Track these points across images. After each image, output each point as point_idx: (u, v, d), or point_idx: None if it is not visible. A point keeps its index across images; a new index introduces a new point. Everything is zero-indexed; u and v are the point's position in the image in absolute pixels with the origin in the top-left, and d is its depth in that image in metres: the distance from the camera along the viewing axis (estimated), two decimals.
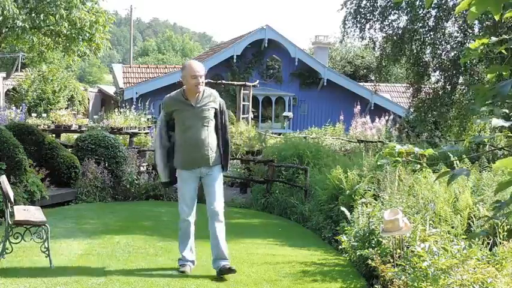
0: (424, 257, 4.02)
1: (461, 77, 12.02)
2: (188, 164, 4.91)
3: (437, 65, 12.49)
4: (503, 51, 1.95)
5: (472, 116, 10.96)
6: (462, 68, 11.63)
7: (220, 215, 4.91)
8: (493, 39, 1.99)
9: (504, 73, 1.89)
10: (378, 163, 2.21)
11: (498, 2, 1.73)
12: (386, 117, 17.25)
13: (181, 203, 5.02)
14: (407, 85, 13.71)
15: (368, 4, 12.84)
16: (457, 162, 6.42)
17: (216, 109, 4.98)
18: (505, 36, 1.95)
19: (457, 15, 11.34)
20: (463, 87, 12.17)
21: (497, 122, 1.83)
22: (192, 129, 4.87)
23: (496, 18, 1.86)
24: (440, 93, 12.13)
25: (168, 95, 5.07)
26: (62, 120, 14.70)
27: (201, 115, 4.88)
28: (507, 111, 1.88)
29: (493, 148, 7.24)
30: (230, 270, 4.81)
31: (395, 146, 2.03)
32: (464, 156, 6.73)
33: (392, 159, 2.03)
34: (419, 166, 2.14)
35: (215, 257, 4.90)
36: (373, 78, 23.62)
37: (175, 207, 9.35)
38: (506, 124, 1.82)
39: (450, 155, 6.68)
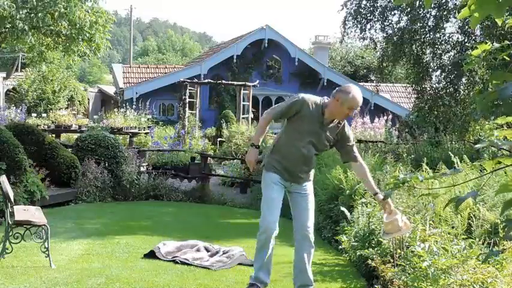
0: (424, 257, 4.02)
1: (463, 79, 12.02)
2: (282, 173, 4.30)
3: (437, 65, 12.49)
4: (506, 57, 1.94)
5: (473, 118, 10.96)
6: (462, 69, 11.62)
7: (312, 238, 4.31)
8: (496, 45, 1.99)
9: (507, 80, 1.88)
10: (385, 193, 2.23)
11: (501, 7, 1.72)
12: (386, 117, 17.25)
13: (264, 210, 4.31)
14: (408, 85, 13.71)
15: (368, 4, 12.84)
16: (458, 162, 6.41)
17: (332, 142, 4.34)
18: (508, 42, 1.94)
19: (458, 18, 11.35)
20: (465, 87, 12.17)
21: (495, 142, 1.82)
22: (304, 144, 4.23)
23: (499, 22, 1.86)
24: (441, 93, 12.13)
25: (308, 95, 4.35)
26: (62, 120, 14.72)
27: (320, 139, 4.25)
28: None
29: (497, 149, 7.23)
30: None
31: (398, 176, 2.02)
32: (464, 156, 6.72)
33: (395, 186, 2.02)
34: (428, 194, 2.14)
35: (300, 284, 4.29)
36: (373, 78, 23.61)
37: (175, 207, 9.41)
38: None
39: (451, 154, 6.68)
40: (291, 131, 4.25)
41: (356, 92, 4.17)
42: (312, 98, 4.26)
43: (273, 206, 4.28)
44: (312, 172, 4.43)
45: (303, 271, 4.27)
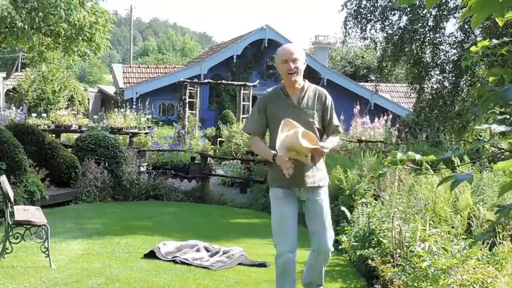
0: (424, 257, 4.02)
1: (462, 79, 12.02)
2: (284, 180, 3.74)
3: (437, 65, 12.49)
4: (504, 53, 1.93)
5: (473, 116, 10.96)
6: (463, 69, 11.62)
7: (329, 250, 3.87)
8: (494, 41, 1.98)
9: (505, 76, 1.88)
10: (380, 172, 2.19)
11: (502, 7, 1.71)
12: (386, 117, 17.24)
13: (276, 231, 3.85)
14: (408, 85, 13.71)
15: (368, 4, 12.84)
16: (458, 162, 6.41)
17: (323, 113, 3.89)
18: (506, 39, 1.94)
19: (460, 19, 11.35)
20: (464, 86, 12.17)
21: (496, 127, 1.81)
22: None
23: (500, 23, 1.85)
24: (441, 93, 12.13)
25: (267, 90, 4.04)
26: (62, 120, 14.72)
27: (305, 119, 3.79)
28: (508, 116, 1.87)
29: (496, 151, 7.23)
30: None
31: (397, 154, 2.02)
32: (465, 156, 6.72)
33: (394, 166, 2.02)
34: (420, 171, 2.13)
35: (310, 281, 4.03)
36: (373, 78, 23.61)
37: (175, 207, 9.42)
38: (505, 129, 1.81)
39: (451, 155, 6.67)
40: (274, 131, 3.77)
41: (285, 45, 3.90)
42: (270, 89, 3.98)
43: (282, 230, 3.79)
44: (323, 173, 3.90)
45: (316, 273, 3.98)
